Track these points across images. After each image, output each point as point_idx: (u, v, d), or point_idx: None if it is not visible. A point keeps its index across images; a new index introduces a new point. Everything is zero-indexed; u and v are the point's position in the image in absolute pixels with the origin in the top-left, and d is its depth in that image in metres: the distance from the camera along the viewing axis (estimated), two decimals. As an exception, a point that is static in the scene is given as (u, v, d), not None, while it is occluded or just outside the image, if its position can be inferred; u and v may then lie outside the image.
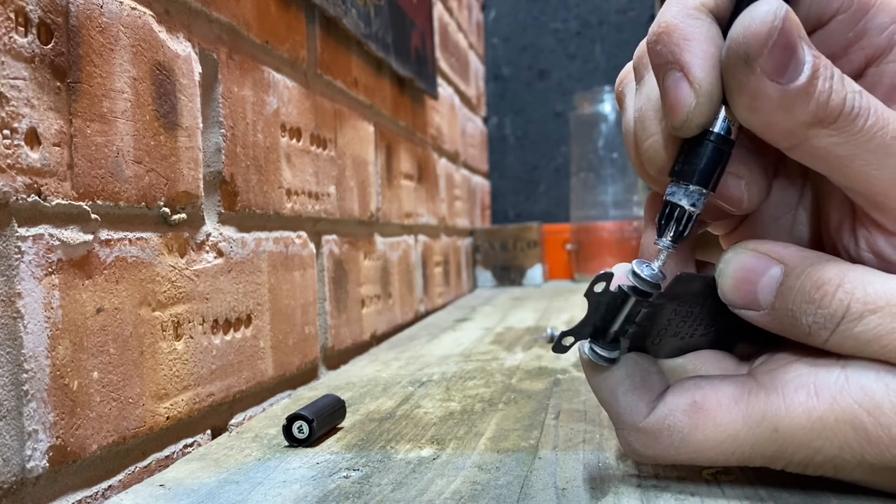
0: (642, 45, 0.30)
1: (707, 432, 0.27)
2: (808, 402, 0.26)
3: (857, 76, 0.27)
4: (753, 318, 0.28)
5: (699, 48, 0.25)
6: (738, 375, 0.29)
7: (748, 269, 0.27)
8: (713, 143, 0.26)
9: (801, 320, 0.26)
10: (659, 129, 0.28)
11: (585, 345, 0.29)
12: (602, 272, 0.28)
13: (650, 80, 0.29)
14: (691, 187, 0.27)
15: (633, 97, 0.30)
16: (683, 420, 0.28)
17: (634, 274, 0.27)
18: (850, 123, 0.24)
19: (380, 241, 0.84)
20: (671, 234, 0.27)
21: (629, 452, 0.29)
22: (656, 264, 0.28)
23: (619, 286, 0.27)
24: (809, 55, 0.24)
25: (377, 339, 0.80)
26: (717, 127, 0.26)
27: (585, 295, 0.28)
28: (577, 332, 0.29)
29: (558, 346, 0.29)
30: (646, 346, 0.30)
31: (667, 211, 0.27)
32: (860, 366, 0.26)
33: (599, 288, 0.27)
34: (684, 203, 0.27)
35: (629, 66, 0.32)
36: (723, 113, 0.26)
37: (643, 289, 0.27)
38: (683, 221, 0.27)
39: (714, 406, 0.27)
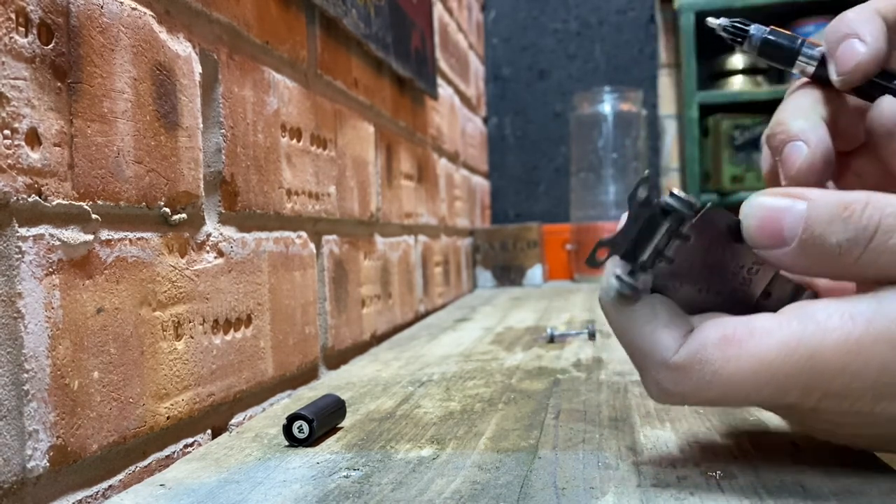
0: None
1: (741, 363, 0.27)
2: (844, 326, 0.26)
3: None
4: (780, 257, 0.28)
5: None
6: (766, 313, 0.28)
7: (773, 209, 0.28)
8: None
9: (831, 241, 0.27)
10: None
11: (613, 279, 0.29)
12: (644, 176, 0.28)
13: None
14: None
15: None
16: (715, 353, 0.27)
17: (672, 194, 0.28)
18: None
19: (380, 241, 0.84)
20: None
21: (656, 394, 0.29)
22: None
23: (659, 200, 0.28)
24: None
25: (377, 339, 0.81)
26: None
27: (628, 199, 0.28)
28: (614, 242, 0.29)
29: (591, 260, 0.29)
30: (667, 293, 0.30)
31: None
32: (891, 291, 0.26)
33: (643, 193, 0.28)
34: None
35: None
36: None
37: (680, 208, 0.28)
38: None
39: (746, 337, 0.27)
